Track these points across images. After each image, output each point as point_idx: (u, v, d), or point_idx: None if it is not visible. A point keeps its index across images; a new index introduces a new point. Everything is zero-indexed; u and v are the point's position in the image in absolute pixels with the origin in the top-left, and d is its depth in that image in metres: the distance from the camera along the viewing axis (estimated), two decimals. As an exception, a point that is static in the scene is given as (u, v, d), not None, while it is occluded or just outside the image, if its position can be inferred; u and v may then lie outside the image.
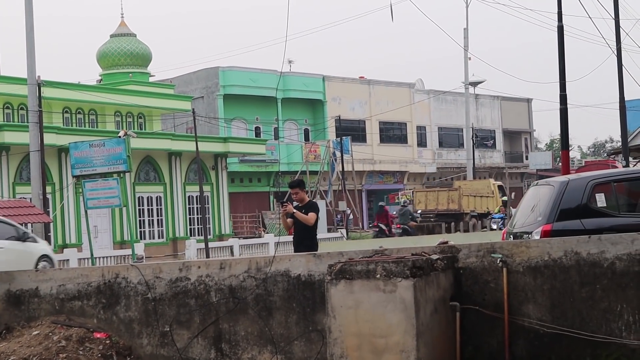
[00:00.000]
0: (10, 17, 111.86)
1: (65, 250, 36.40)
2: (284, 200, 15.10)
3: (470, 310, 10.32)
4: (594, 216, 12.21)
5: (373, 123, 68.70)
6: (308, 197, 15.61)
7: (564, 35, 27.19)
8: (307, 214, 14.51)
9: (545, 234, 12.02)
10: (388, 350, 9.17)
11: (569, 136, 28.52)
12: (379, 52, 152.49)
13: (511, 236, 13.41)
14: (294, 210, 14.61)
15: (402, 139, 72.22)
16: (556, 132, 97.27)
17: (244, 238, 48.59)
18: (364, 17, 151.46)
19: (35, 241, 22.33)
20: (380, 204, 49.19)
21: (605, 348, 9.94)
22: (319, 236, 15.50)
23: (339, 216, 56.13)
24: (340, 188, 57.46)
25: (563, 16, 27.37)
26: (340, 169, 56.90)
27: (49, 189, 37.55)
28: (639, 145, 33.17)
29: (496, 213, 33.24)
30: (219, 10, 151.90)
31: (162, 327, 12.18)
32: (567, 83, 27.15)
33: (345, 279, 9.44)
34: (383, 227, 42.84)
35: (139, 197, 47.25)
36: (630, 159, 33.23)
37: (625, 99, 32.84)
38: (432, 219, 46.75)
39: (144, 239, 46.04)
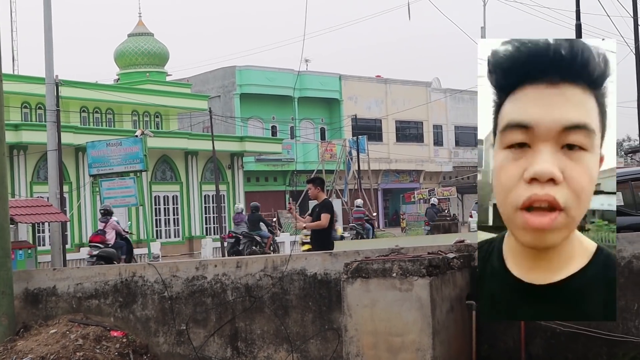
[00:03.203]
0: (28, 16, 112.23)
1: (82, 249, 36.52)
2: (292, 199, 15.10)
3: (486, 309, 10.29)
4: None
5: (389, 122, 68.65)
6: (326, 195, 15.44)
7: (582, 34, 27.14)
8: (319, 214, 14.43)
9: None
10: (404, 348, 9.16)
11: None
12: (395, 51, 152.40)
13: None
14: (303, 226, 14.57)
15: (419, 138, 72.13)
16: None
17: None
18: (380, 16, 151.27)
19: None
20: None
21: (622, 347, 9.90)
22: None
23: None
24: (356, 187, 57.43)
25: (581, 14, 27.34)
26: (357, 168, 56.89)
27: (66, 188, 37.62)
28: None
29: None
30: (236, 13, 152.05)
31: (179, 325, 12.21)
32: (584, 82, 27.04)
33: (361, 278, 9.43)
34: None
35: (155, 197, 47.36)
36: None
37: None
38: None
39: (160, 238, 46.13)
